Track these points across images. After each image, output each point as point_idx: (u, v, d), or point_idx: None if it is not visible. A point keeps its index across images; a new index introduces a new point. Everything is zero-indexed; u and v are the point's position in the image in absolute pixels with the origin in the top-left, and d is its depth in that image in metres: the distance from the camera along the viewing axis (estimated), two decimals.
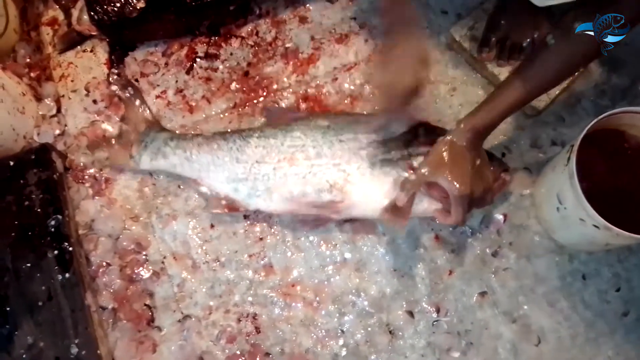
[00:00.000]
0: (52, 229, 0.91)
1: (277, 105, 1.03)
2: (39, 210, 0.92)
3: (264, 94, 1.05)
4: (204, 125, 1.03)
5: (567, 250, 0.94)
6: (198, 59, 1.08)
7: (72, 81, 1.07)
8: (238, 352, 0.90)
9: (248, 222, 0.97)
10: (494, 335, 0.91)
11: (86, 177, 1.00)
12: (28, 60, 1.09)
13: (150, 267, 0.95)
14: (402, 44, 0.75)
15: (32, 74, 1.08)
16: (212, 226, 0.97)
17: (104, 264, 0.95)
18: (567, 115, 1.01)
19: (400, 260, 0.94)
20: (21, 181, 0.94)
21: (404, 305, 0.92)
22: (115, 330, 0.91)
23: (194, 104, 1.05)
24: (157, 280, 0.94)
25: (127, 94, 1.00)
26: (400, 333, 0.91)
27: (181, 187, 0.99)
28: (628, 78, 1.03)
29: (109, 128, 1.03)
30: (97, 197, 0.99)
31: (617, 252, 0.94)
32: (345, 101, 1.04)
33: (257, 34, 1.09)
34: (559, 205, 0.86)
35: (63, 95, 1.06)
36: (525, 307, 0.92)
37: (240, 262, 0.95)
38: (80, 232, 0.96)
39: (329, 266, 0.94)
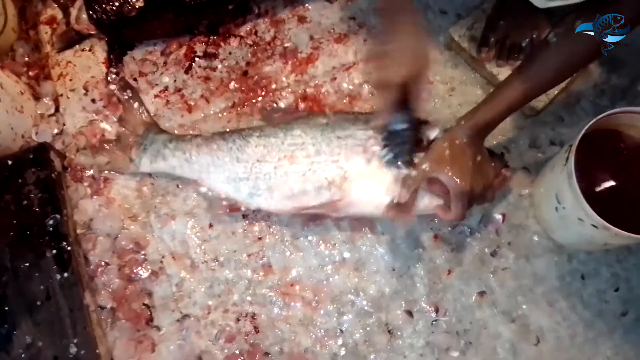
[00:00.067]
0: (51, 229, 0.91)
1: (275, 106, 1.03)
2: (37, 209, 0.92)
3: (263, 93, 1.05)
4: (202, 125, 1.03)
5: (566, 250, 0.94)
6: (197, 58, 1.08)
7: (70, 80, 1.06)
8: (237, 352, 0.90)
9: (247, 221, 0.97)
10: (492, 334, 0.91)
11: (85, 176, 1.00)
12: (26, 59, 1.09)
13: (148, 267, 0.95)
14: (399, 37, 0.74)
15: (30, 73, 1.08)
16: (210, 226, 0.97)
17: (103, 263, 0.94)
18: (566, 115, 1.02)
19: (399, 260, 0.94)
20: (19, 180, 0.94)
21: (403, 305, 0.92)
22: (114, 329, 0.91)
23: (192, 103, 1.05)
24: (156, 280, 0.94)
25: (126, 96, 1.00)
26: (399, 333, 0.91)
27: (180, 186, 0.99)
28: (627, 78, 1.03)
29: (108, 127, 1.03)
30: (95, 197, 0.99)
31: (616, 252, 0.94)
32: (344, 101, 1.04)
33: (256, 33, 1.09)
34: (557, 205, 0.86)
35: (61, 94, 1.06)
36: (524, 306, 0.92)
37: (239, 261, 0.95)
38: (79, 231, 0.96)
39: (327, 266, 0.94)
